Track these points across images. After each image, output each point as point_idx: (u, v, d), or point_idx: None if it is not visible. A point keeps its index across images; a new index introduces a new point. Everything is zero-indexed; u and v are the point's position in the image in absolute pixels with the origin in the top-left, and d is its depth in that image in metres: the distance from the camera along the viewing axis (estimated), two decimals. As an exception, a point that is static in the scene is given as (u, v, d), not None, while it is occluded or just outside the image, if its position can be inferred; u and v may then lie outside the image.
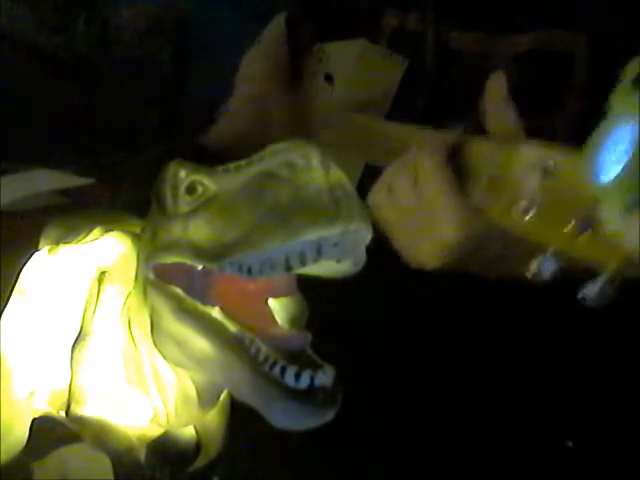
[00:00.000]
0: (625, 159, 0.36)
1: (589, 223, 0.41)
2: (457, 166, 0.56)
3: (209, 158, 0.55)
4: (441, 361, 0.79)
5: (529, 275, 0.45)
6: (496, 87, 0.57)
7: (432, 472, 0.76)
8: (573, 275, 0.42)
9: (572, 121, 0.75)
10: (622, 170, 0.36)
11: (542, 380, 0.77)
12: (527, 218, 0.46)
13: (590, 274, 0.42)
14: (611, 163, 0.36)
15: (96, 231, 0.60)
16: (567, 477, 0.75)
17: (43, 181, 0.73)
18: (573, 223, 0.42)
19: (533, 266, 0.45)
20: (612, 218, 0.38)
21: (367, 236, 0.47)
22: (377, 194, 0.60)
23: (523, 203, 0.46)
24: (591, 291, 0.41)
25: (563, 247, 0.44)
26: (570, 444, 0.77)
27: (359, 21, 0.87)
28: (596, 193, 0.38)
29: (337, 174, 0.45)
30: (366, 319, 0.81)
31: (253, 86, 0.91)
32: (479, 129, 0.58)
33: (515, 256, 0.49)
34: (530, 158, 0.47)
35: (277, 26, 0.99)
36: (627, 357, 0.73)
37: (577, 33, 0.73)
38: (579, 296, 0.41)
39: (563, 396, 0.77)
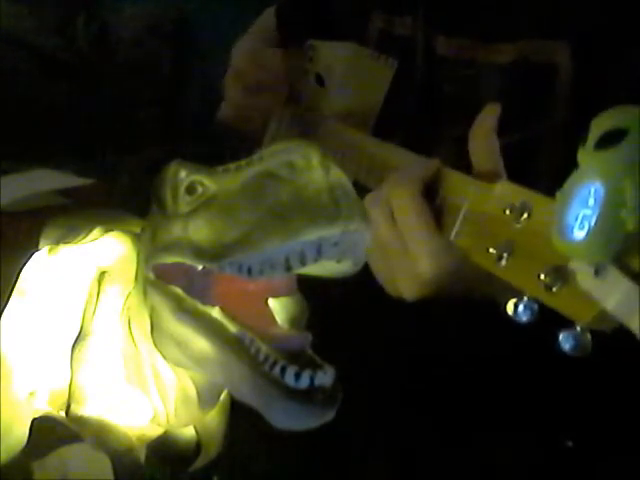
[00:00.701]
0: (592, 221, 0.35)
1: (561, 275, 0.41)
2: (434, 199, 0.56)
3: (209, 158, 0.55)
4: (441, 361, 0.79)
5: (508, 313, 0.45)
6: (486, 120, 0.57)
7: (432, 472, 0.76)
8: (551, 319, 0.42)
9: (557, 131, 0.75)
10: (589, 232, 0.35)
11: (542, 380, 0.77)
12: (501, 263, 0.46)
13: (567, 321, 0.41)
14: (579, 223, 0.36)
15: (96, 231, 0.60)
16: (567, 477, 0.75)
17: (43, 181, 0.73)
18: (546, 274, 0.42)
19: (510, 308, 0.44)
20: (583, 276, 0.38)
21: (367, 236, 0.47)
22: None
23: (497, 247, 0.46)
24: (567, 341, 0.41)
25: (537, 295, 0.43)
26: (570, 444, 0.77)
27: (347, 21, 0.88)
28: (565, 250, 0.37)
29: (337, 174, 0.45)
30: (366, 319, 0.81)
31: (251, 57, 0.91)
32: (463, 143, 0.58)
33: (495, 283, 0.48)
34: (505, 198, 0.47)
35: (267, 17, 0.99)
36: (627, 357, 0.73)
37: (562, 43, 0.72)
38: (556, 344, 0.41)
39: (563, 396, 0.77)
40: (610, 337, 0.42)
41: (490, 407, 0.77)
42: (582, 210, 0.36)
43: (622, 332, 0.40)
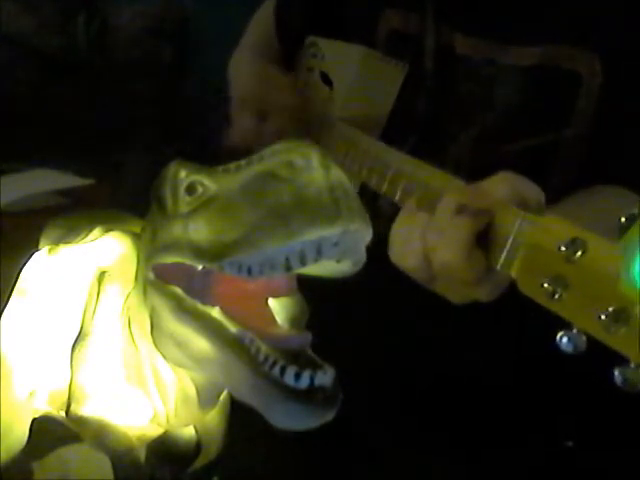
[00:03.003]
0: None
1: (623, 317, 0.41)
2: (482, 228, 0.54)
3: (209, 158, 0.55)
4: (441, 361, 0.79)
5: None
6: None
7: (432, 471, 0.76)
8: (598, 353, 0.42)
9: (577, 141, 0.74)
10: None
11: (542, 380, 0.77)
12: (555, 298, 0.45)
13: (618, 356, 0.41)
14: None
15: (96, 231, 0.60)
16: (567, 477, 0.75)
17: (43, 181, 0.73)
18: (606, 315, 0.42)
19: (557, 338, 0.44)
20: None
21: (367, 236, 0.47)
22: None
23: (551, 283, 0.46)
24: (620, 377, 0.41)
25: (594, 334, 0.43)
26: (570, 444, 0.77)
27: (356, 18, 0.87)
28: (631, 294, 0.37)
29: (337, 174, 0.45)
30: (366, 319, 0.81)
31: (247, 73, 0.90)
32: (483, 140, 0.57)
33: None
34: (557, 233, 0.46)
35: (265, 10, 0.99)
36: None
37: (590, 53, 0.71)
38: (609, 377, 0.41)
39: (563, 396, 0.77)
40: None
41: (490, 407, 0.77)
42: None
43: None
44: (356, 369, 0.63)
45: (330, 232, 0.44)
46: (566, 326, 0.44)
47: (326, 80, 0.86)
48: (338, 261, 0.47)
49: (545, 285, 0.46)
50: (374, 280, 0.61)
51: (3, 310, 0.58)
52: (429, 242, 0.55)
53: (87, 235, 0.61)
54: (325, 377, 0.46)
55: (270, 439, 0.60)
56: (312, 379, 0.46)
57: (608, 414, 0.75)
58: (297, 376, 0.46)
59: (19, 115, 1.48)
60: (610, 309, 0.42)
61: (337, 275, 0.50)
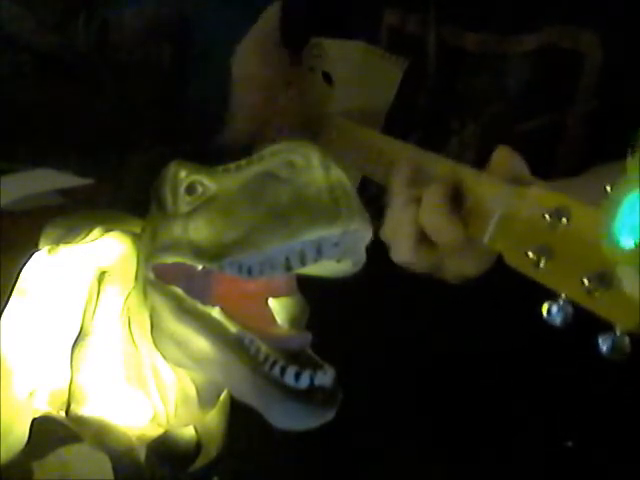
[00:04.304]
0: None
1: (605, 280, 0.41)
2: (466, 204, 0.55)
3: (209, 158, 0.55)
4: (441, 361, 0.79)
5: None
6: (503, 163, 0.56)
7: (431, 471, 0.76)
8: (587, 322, 0.42)
9: (583, 118, 0.75)
10: (638, 240, 0.35)
11: (542, 380, 0.77)
12: (540, 267, 0.46)
13: (605, 324, 0.41)
14: (628, 230, 0.36)
15: (96, 231, 0.60)
16: (567, 477, 0.75)
17: (43, 181, 0.73)
18: (589, 278, 0.42)
19: (544, 309, 0.44)
20: (630, 282, 0.37)
21: (367, 236, 0.47)
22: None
23: (535, 252, 0.46)
24: (605, 344, 0.41)
25: (578, 299, 0.43)
26: (570, 444, 0.77)
27: (358, 17, 0.87)
28: (615, 257, 0.37)
29: (337, 174, 0.45)
30: (366, 319, 0.81)
31: (251, 73, 0.91)
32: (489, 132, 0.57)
33: None
34: (541, 203, 0.47)
35: (271, 14, 0.99)
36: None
37: (589, 32, 0.72)
38: (594, 346, 0.41)
39: (563, 396, 0.77)
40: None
41: (490, 407, 0.77)
42: (631, 218, 0.36)
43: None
44: (356, 369, 0.63)
45: (330, 232, 0.44)
46: (552, 296, 0.44)
47: (328, 79, 0.87)
48: (338, 261, 0.47)
49: (530, 255, 0.46)
50: (374, 280, 0.61)
51: (3, 310, 0.58)
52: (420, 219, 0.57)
53: (87, 235, 0.61)
54: (325, 377, 0.46)
55: (270, 439, 0.60)
56: (312, 379, 0.46)
57: (608, 413, 0.75)
58: (297, 376, 0.46)
59: (19, 115, 1.48)
60: (593, 273, 0.42)
61: (337, 275, 0.50)
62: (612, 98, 0.72)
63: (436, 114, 0.81)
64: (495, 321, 0.75)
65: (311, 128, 0.85)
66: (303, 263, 0.45)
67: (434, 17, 0.79)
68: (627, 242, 0.36)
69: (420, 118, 0.81)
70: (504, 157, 0.56)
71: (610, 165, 0.67)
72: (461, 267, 0.58)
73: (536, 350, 0.76)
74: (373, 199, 0.72)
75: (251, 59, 0.94)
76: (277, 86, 0.88)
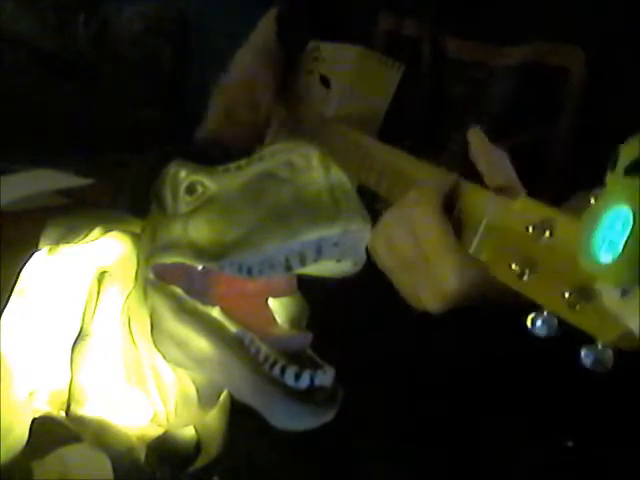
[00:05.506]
0: (620, 244, 0.35)
1: (586, 294, 0.41)
2: (452, 211, 0.55)
3: (209, 158, 0.55)
4: (441, 361, 0.79)
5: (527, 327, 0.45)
6: (478, 138, 0.57)
7: (431, 471, 0.76)
8: (570, 335, 0.42)
9: (569, 133, 0.75)
10: (616, 256, 0.35)
11: (542, 380, 0.77)
12: (523, 279, 0.46)
13: (588, 338, 0.41)
14: (606, 245, 0.36)
15: (96, 231, 0.60)
16: (567, 477, 0.75)
17: (43, 181, 0.73)
18: (570, 292, 0.42)
19: (528, 322, 0.45)
20: (609, 296, 0.38)
21: (367, 236, 0.47)
22: (376, 243, 0.59)
23: (519, 264, 0.46)
24: (588, 357, 0.41)
25: (560, 313, 0.43)
26: (570, 444, 0.77)
27: (354, 21, 0.88)
28: (592, 271, 0.37)
29: (337, 174, 0.45)
30: (366, 319, 0.81)
31: (244, 74, 0.91)
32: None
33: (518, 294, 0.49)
34: (526, 215, 0.47)
35: (267, 21, 0.99)
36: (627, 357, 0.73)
37: (574, 48, 0.72)
38: (577, 358, 0.41)
39: (563, 396, 0.77)
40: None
41: (491, 407, 0.77)
42: (609, 234, 0.36)
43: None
44: (356, 369, 0.63)
45: (330, 232, 0.44)
46: (537, 308, 0.44)
47: (325, 83, 0.87)
48: (338, 261, 0.47)
49: (513, 266, 0.46)
50: (374, 280, 0.61)
51: (3, 310, 0.58)
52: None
53: (87, 235, 0.61)
54: (325, 377, 0.47)
55: (270, 439, 0.60)
56: (312, 379, 0.46)
57: (608, 413, 0.75)
58: (297, 376, 0.46)
59: (19, 115, 1.48)
60: (575, 287, 0.42)
61: (337, 275, 0.50)
62: (597, 114, 0.72)
63: (430, 120, 0.81)
64: (495, 320, 0.75)
65: (308, 131, 0.85)
66: (303, 263, 0.45)
67: (429, 23, 0.80)
68: (605, 257, 0.36)
69: (415, 124, 0.82)
70: (477, 139, 0.57)
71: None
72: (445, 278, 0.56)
73: (536, 350, 0.76)
74: (372, 200, 0.72)
75: (247, 60, 0.94)
76: (266, 92, 0.89)
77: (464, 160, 0.59)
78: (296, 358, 0.47)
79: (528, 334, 0.45)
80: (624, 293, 0.37)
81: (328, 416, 0.47)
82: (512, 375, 0.77)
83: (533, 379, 0.77)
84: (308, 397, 0.46)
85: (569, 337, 0.43)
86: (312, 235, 0.44)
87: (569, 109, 0.74)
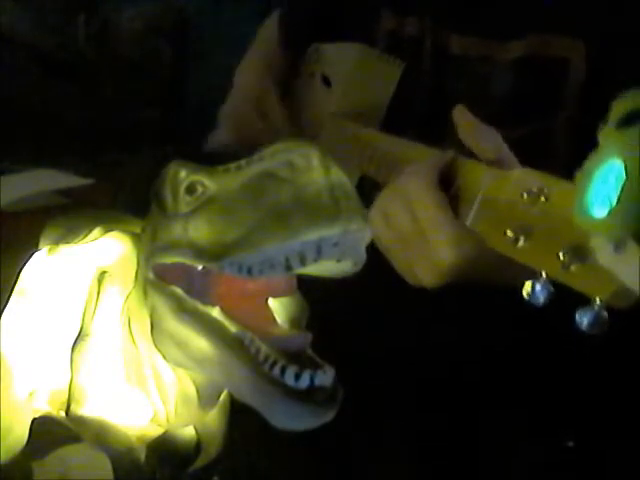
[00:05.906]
0: (614, 198, 0.35)
1: (580, 253, 0.41)
2: (450, 188, 0.56)
3: (209, 159, 0.55)
4: (441, 361, 0.79)
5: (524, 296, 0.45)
6: (463, 118, 0.58)
7: (431, 471, 0.76)
8: (568, 299, 0.42)
9: (570, 124, 0.75)
10: (610, 209, 0.36)
11: (542, 379, 0.77)
12: (519, 245, 0.46)
13: (585, 299, 0.42)
14: (600, 200, 0.36)
15: (96, 231, 0.60)
16: (567, 477, 0.75)
17: (43, 181, 0.73)
18: (564, 253, 0.42)
19: (526, 289, 0.45)
20: (603, 252, 0.38)
21: (367, 236, 0.47)
22: (372, 219, 0.60)
23: (514, 230, 0.46)
24: (585, 318, 0.41)
25: (555, 275, 0.43)
26: (570, 444, 0.77)
27: (355, 22, 0.88)
28: (586, 227, 0.38)
29: (337, 174, 0.45)
30: (366, 319, 0.81)
31: (248, 84, 0.92)
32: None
33: (514, 267, 0.49)
34: (522, 183, 0.47)
35: (270, 25, 1.00)
36: (627, 357, 0.73)
37: (573, 38, 0.73)
38: (574, 322, 0.41)
39: (563, 396, 0.77)
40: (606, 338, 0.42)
41: (491, 408, 0.77)
42: (603, 187, 0.36)
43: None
44: (356, 369, 0.63)
45: (330, 232, 0.44)
46: (534, 275, 0.44)
47: (327, 83, 0.87)
48: (338, 261, 0.47)
49: (508, 233, 0.47)
50: (374, 280, 0.62)
51: (3, 310, 0.58)
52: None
53: (87, 235, 0.61)
54: (325, 377, 0.47)
55: (270, 439, 0.60)
56: (312, 379, 0.46)
57: (608, 413, 0.76)
58: (297, 376, 0.46)
59: (19, 115, 1.48)
60: (568, 247, 0.42)
61: (337, 275, 0.50)
62: (597, 106, 0.73)
63: (430, 116, 0.81)
64: (495, 319, 0.75)
65: (310, 131, 0.86)
66: (303, 263, 0.45)
67: (430, 20, 0.80)
68: (599, 212, 0.36)
69: (416, 120, 0.82)
70: (462, 117, 0.58)
71: None
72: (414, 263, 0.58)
73: (536, 350, 0.76)
74: (369, 196, 0.73)
75: (250, 70, 0.95)
76: (271, 99, 0.89)
77: (462, 151, 0.59)
78: (296, 358, 0.47)
79: (526, 328, 0.45)
80: (617, 249, 0.37)
81: (328, 416, 0.47)
82: (512, 371, 0.77)
83: (533, 374, 0.77)
84: (308, 397, 0.46)
85: (569, 334, 0.43)
86: (312, 235, 0.44)
87: (570, 100, 0.75)
